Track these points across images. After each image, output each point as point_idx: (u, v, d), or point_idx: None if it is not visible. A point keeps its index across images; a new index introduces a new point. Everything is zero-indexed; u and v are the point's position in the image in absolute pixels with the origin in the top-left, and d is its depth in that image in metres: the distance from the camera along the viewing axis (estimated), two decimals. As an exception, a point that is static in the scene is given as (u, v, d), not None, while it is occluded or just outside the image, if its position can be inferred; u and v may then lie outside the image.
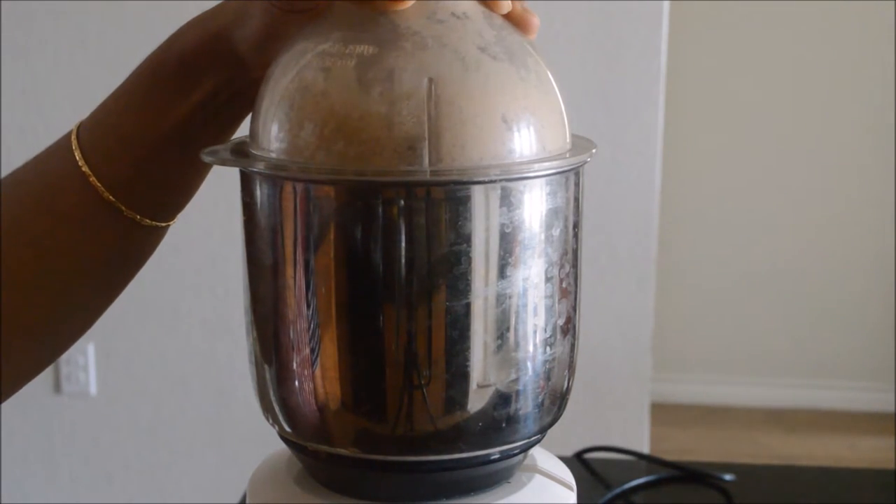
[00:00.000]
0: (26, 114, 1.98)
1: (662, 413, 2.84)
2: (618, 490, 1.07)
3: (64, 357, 2.04)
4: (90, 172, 0.55)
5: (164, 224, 0.59)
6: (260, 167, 0.51)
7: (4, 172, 1.97)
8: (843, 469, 1.28)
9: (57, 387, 2.06)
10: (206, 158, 0.52)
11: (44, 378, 2.05)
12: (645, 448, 2.01)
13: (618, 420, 1.99)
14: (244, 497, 1.09)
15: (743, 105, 3.08)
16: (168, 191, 0.58)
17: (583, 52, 1.88)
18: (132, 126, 0.55)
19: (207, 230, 1.97)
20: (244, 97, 0.56)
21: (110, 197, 0.55)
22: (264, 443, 2.09)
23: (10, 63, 1.98)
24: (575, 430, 1.70)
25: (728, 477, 1.07)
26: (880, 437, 2.94)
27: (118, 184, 0.55)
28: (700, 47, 3.03)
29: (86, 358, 2.04)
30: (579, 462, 1.14)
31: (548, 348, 0.53)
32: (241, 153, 0.53)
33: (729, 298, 3.15)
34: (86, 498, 2.11)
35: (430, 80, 0.49)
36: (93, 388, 2.06)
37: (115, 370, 2.06)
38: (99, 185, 0.55)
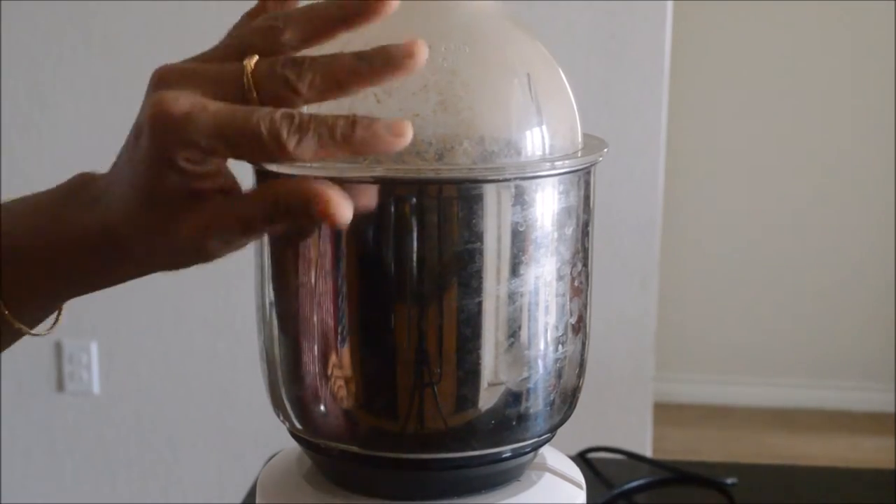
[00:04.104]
0: (29, 114, 1.98)
1: (665, 412, 2.83)
2: (619, 490, 1.07)
3: (67, 355, 2.04)
4: None
5: (31, 332, 0.54)
6: (272, 165, 0.51)
7: (6, 172, 1.98)
8: (845, 469, 1.28)
9: (60, 385, 2.06)
10: None
11: (46, 376, 2.05)
12: (647, 447, 2.01)
13: (620, 419, 1.99)
14: (247, 496, 1.09)
15: (746, 105, 3.08)
16: (54, 306, 0.54)
17: (586, 51, 1.88)
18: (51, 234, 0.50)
19: (210, 229, 1.97)
20: None
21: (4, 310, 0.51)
22: (267, 442, 2.09)
23: (12, 62, 1.98)
24: (577, 430, 1.70)
25: (730, 481, 1.07)
26: (882, 437, 2.94)
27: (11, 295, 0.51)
28: (703, 47, 3.02)
29: (89, 356, 2.04)
30: (582, 461, 1.14)
31: (559, 347, 0.53)
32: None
33: (732, 298, 3.15)
34: (88, 497, 2.11)
35: (445, 77, 0.49)
36: (96, 387, 2.06)
37: (117, 369, 2.06)
38: None
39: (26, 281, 0.51)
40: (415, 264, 0.49)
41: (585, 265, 0.54)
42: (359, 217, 0.48)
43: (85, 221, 0.48)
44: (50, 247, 0.49)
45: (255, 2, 0.50)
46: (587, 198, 0.54)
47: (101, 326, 2.03)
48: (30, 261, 0.50)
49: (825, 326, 3.13)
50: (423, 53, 0.44)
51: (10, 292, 0.51)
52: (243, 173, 0.54)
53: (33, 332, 0.53)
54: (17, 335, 0.53)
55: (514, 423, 0.52)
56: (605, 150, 0.54)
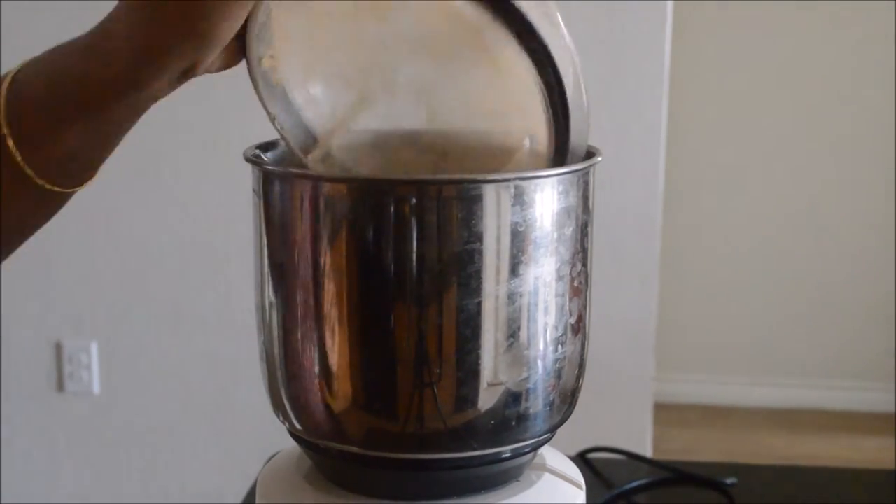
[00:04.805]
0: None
1: (665, 413, 2.83)
2: (619, 490, 1.07)
3: (67, 356, 2.04)
4: (7, 133, 0.51)
5: (68, 191, 0.54)
6: (273, 164, 0.51)
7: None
8: (845, 469, 1.27)
9: (60, 385, 2.06)
10: None
11: (47, 377, 2.05)
12: (647, 448, 2.01)
13: (620, 419, 1.99)
14: (247, 496, 1.09)
15: (746, 105, 3.07)
16: (83, 157, 0.53)
17: (586, 51, 1.88)
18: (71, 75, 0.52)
19: (210, 229, 1.97)
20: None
21: (20, 161, 0.51)
22: (267, 442, 2.07)
23: (12, 63, 1.98)
24: (577, 430, 1.70)
25: (730, 481, 1.07)
26: (883, 437, 2.94)
27: (32, 147, 0.51)
28: (703, 47, 3.02)
29: (89, 357, 2.04)
30: (582, 462, 1.14)
31: (559, 347, 0.52)
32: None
33: (732, 298, 3.15)
34: (88, 497, 2.11)
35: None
36: (96, 387, 2.06)
37: (118, 369, 2.06)
38: (13, 147, 0.51)
39: (45, 131, 0.51)
40: (414, 265, 0.49)
41: (585, 265, 0.54)
42: (359, 217, 0.48)
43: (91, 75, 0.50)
44: (57, 97, 0.51)
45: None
46: (586, 198, 0.54)
47: (101, 326, 2.03)
48: (44, 111, 0.51)
49: (825, 326, 3.12)
50: None
51: (29, 143, 0.51)
52: (244, 175, 0.54)
53: (61, 188, 0.53)
54: (44, 194, 0.52)
55: (513, 423, 0.52)
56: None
